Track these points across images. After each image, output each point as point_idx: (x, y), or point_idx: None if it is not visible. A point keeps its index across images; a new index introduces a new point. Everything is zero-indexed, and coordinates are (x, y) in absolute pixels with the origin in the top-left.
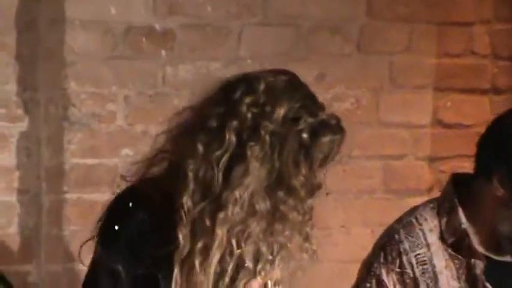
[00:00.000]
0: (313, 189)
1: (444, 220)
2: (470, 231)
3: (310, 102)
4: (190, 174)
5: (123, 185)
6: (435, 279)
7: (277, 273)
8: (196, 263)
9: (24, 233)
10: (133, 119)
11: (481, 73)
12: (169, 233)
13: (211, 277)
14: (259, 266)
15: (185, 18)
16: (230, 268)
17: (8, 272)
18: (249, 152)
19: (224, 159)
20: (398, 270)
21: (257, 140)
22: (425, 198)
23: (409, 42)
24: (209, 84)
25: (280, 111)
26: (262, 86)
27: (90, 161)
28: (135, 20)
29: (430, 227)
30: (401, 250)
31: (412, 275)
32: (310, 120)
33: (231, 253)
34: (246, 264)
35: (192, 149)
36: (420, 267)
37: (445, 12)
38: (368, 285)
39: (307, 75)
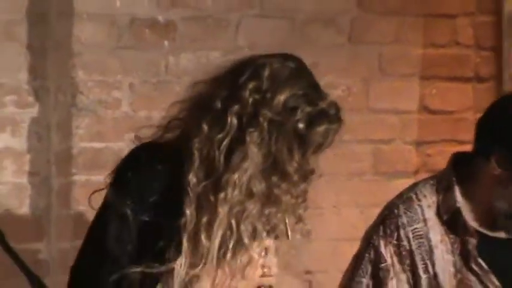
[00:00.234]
0: (307, 174)
1: (440, 197)
2: (465, 209)
3: (311, 91)
4: (196, 152)
5: None
6: (430, 252)
7: (271, 250)
8: (202, 236)
9: (35, 213)
10: (138, 105)
11: (464, 62)
12: (177, 192)
13: (215, 249)
14: (255, 243)
15: (186, 11)
16: (231, 244)
17: (20, 249)
18: (248, 138)
19: (225, 142)
20: (395, 242)
21: (256, 126)
22: (412, 180)
23: (397, 34)
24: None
25: (280, 99)
26: (266, 72)
27: (97, 145)
28: (139, 12)
29: (428, 203)
30: (400, 224)
31: (408, 248)
32: (308, 109)
33: (231, 230)
34: (244, 241)
35: (198, 128)
36: (416, 241)
37: (431, 6)
38: (367, 255)
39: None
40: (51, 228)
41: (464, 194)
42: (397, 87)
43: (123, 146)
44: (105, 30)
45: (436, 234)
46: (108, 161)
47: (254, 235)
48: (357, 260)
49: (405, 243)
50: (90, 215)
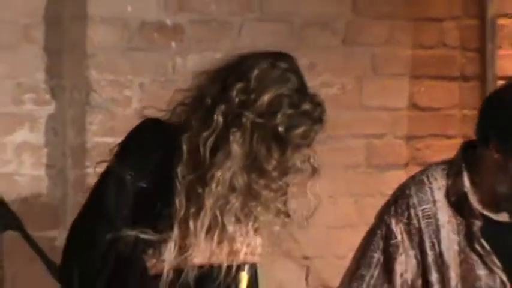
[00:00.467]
0: (287, 171)
1: (450, 181)
2: (472, 193)
3: (296, 93)
4: (185, 147)
5: None
6: (437, 231)
7: (257, 232)
8: (191, 223)
9: (52, 203)
10: (147, 103)
11: (451, 63)
12: (173, 169)
13: (202, 236)
14: (238, 233)
15: (192, 15)
16: (216, 232)
17: (37, 237)
18: (231, 137)
19: (211, 139)
20: (406, 221)
21: (239, 126)
22: (402, 172)
23: (388, 36)
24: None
25: (264, 101)
26: (255, 73)
27: (109, 140)
28: (148, 16)
29: (438, 185)
30: (411, 204)
31: (417, 226)
32: (289, 111)
33: (216, 220)
34: (228, 232)
35: (190, 123)
36: (425, 220)
37: (420, 10)
38: (379, 232)
39: (299, 64)
40: (66, 217)
41: (471, 180)
42: (388, 86)
43: None
44: (117, 33)
45: (444, 215)
46: None
47: (237, 226)
48: (370, 236)
49: (415, 222)
50: None
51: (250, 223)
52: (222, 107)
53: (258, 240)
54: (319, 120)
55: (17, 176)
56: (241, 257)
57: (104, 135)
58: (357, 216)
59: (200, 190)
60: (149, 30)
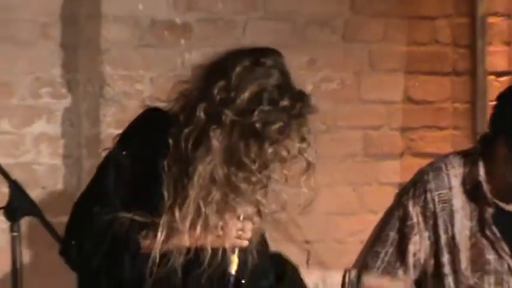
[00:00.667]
0: (266, 164)
1: (467, 170)
2: (486, 182)
3: (276, 89)
4: (171, 141)
5: None
6: (451, 215)
7: (244, 224)
8: (176, 212)
9: (68, 191)
10: (157, 96)
11: (443, 59)
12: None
13: (187, 223)
14: (220, 223)
15: (200, 14)
16: (199, 224)
17: (54, 223)
18: (211, 133)
19: (193, 135)
20: (422, 204)
21: (219, 123)
22: (397, 162)
23: (384, 33)
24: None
25: (243, 98)
26: (236, 71)
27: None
28: (158, 15)
29: (455, 173)
30: (427, 189)
31: (433, 210)
32: (267, 108)
33: (199, 210)
34: (210, 222)
35: (178, 118)
36: (441, 205)
37: (414, 8)
38: (397, 213)
39: (300, 60)
40: None
41: (486, 170)
42: (384, 80)
43: None
44: (129, 31)
45: (459, 200)
46: None
47: (219, 216)
48: (387, 216)
49: (431, 205)
50: None
51: (240, 209)
52: (204, 104)
53: (249, 225)
54: (298, 116)
55: (35, 165)
56: (231, 241)
57: (116, 127)
58: (355, 202)
59: (185, 181)
60: (159, 28)
